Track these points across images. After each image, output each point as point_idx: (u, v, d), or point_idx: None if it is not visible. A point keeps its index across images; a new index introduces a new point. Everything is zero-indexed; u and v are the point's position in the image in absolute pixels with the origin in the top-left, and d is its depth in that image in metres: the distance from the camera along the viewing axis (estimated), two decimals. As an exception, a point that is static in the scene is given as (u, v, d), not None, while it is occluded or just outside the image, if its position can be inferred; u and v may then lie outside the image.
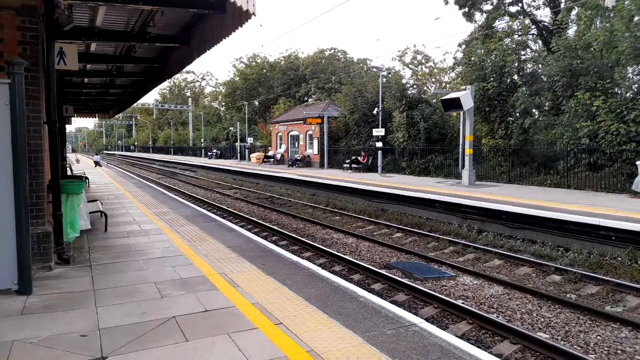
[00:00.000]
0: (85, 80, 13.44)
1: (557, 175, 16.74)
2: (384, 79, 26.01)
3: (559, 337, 5.81)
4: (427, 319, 5.68)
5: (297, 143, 34.86)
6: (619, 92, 16.23)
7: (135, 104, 31.44)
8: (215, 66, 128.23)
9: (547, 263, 8.84)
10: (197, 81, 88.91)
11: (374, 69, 28.67)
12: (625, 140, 14.31)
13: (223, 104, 71.12)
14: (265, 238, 10.28)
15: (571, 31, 21.67)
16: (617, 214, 10.25)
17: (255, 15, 5.11)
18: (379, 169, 23.59)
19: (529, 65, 21.40)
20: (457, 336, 5.01)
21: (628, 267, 8.52)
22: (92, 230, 8.43)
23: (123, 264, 6.28)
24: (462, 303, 6.76)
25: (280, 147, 37.26)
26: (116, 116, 47.91)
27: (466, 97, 16.62)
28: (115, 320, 4.25)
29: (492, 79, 19.77)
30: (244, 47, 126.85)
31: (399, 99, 24.53)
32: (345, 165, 26.88)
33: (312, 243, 10.58)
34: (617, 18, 15.96)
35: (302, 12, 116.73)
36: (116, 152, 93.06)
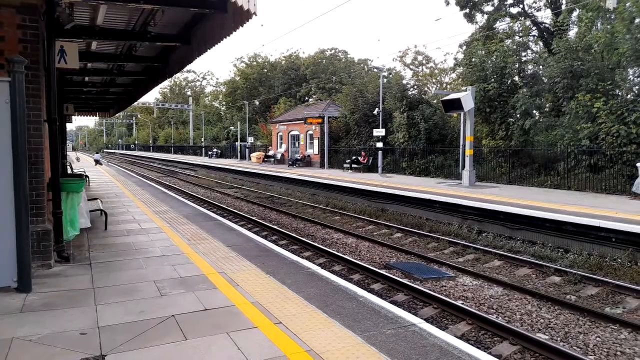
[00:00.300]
0: (86, 78, 13.45)
1: (557, 176, 16.74)
2: (385, 80, 26.01)
3: (559, 338, 5.81)
4: (426, 319, 5.68)
5: (297, 143, 34.86)
6: (619, 93, 16.23)
7: (135, 103, 31.45)
8: (216, 65, 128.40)
9: (547, 264, 8.83)
10: (198, 80, 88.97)
11: (375, 70, 28.68)
12: (625, 142, 14.32)
13: (224, 103, 71.14)
14: (265, 237, 10.28)
15: (572, 33, 21.67)
16: (617, 216, 10.25)
17: (256, 15, 5.11)
18: (379, 169, 23.59)
19: (529, 67, 21.41)
20: (457, 337, 5.01)
21: (628, 268, 8.51)
22: (92, 229, 8.43)
23: (123, 263, 6.28)
24: (462, 303, 6.76)
25: (280, 147, 37.27)
26: (117, 115, 47.89)
27: (467, 98, 16.62)
28: (114, 319, 4.25)
29: (492, 80, 19.78)
30: (244, 46, 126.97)
31: (399, 99, 24.54)
32: (345, 165, 26.89)
33: (312, 243, 10.58)
34: (618, 20, 15.96)
35: (303, 12, 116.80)
36: (117, 151, 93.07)
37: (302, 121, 31.50)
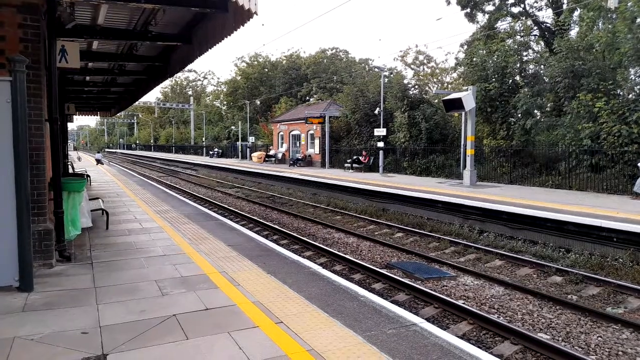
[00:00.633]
0: (87, 78, 13.45)
1: (558, 176, 16.72)
2: (386, 79, 25.99)
3: (560, 338, 5.80)
4: (427, 319, 5.68)
5: (298, 142, 34.86)
6: (621, 93, 16.21)
7: (137, 103, 31.45)
8: (217, 65, 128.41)
9: (548, 264, 8.82)
10: (199, 80, 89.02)
11: (376, 69, 28.70)
12: (627, 142, 14.30)
13: (225, 103, 71.18)
14: (266, 237, 10.28)
15: (573, 32, 21.65)
16: (618, 216, 10.23)
17: (257, 14, 5.11)
18: (380, 168, 23.58)
19: (531, 66, 21.38)
20: (458, 336, 5.01)
21: (629, 268, 8.50)
22: (94, 228, 8.44)
23: (124, 262, 6.28)
24: (463, 303, 6.75)
25: (281, 147, 37.27)
26: (118, 114, 47.97)
27: (468, 97, 16.61)
28: (116, 318, 4.26)
29: (494, 79, 19.77)
30: (245, 46, 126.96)
31: (400, 99, 24.52)
32: (346, 164, 26.88)
33: (313, 242, 10.58)
34: (620, 19, 15.94)
35: (304, 11, 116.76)
36: (118, 150, 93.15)
37: (303, 121, 31.50)
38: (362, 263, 8.78)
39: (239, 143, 45.60)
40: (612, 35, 16.17)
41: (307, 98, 54.36)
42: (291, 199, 18.66)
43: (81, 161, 36.33)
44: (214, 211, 13.22)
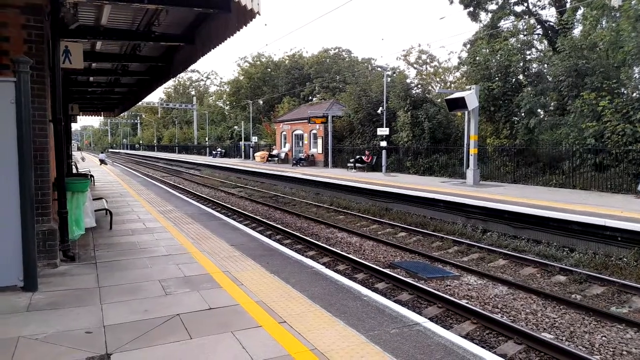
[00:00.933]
0: (91, 78, 13.50)
1: (562, 175, 16.67)
2: (389, 79, 25.97)
3: (564, 338, 5.79)
4: (431, 319, 5.67)
5: (301, 142, 34.87)
6: (625, 92, 16.15)
7: (140, 103, 31.58)
8: (219, 65, 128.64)
9: (552, 263, 8.80)
10: (202, 80, 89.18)
11: (379, 69, 28.66)
12: (631, 141, 14.24)
13: (227, 103, 71.28)
14: (269, 237, 10.29)
15: (577, 31, 21.58)
16: (623, 215, 10.20)
17: (259, 15, 5.11)
18: (383, 168, 23.56)
19: (534, 65, 21.32)
20: (461, 336, 5.00)
21: (634, 268, 8.47)
22: (97, 228, 8.46)
23: (128, 262, 6.30)
24: (466, 303, 6.75)
25: (284, 146, 37.29)
26: (121, 115, 48.09)
27: (471, 96, 16.56)
28: (119, 318, 4.27)
29: (497, 78, 19.73)
30: (248, 46, 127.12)
31: (403, 98, 24.50)
32: (349, 164, 26.87)
33: (316, 242, 10.58)
34: (623, 18, 15.88)
35: (306, 11, 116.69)
36: (121, 151, 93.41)
37: (306, 120, 31.49)
38: (365, 263, 8.78)
39: (241, 143, 45.66)
40: (615, 34, 16.11)
41: (310, 98, 54.37)
42: (294, 199, 18.67)
43: (85, 161, 36.43)
44: (217, 211, 13.25)
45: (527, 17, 28.61)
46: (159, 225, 9.12)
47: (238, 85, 64.90)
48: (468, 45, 32.18)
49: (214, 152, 51.36)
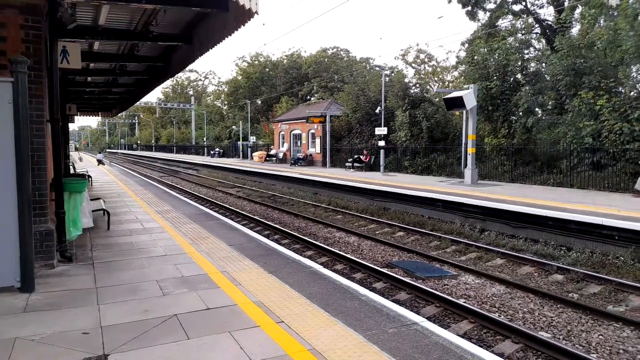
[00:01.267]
0: (88, 79, 13.47)
1: (560, 174, 16.70)
2: (387, 78, 26.00)
3: (561, 337, 5.80)
4: (428, 318, 5.69)
5: (299, 142, 34.87)
6: (622, 91, 16.18)
7: (138, 103, 31.53)
8: (218, 65, 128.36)
9: (549, 262, 8.82)
10: (200, 80, 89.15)
11: (377, 68, 28.71)
12: (628, 140, 14.27)
13: (226, 102, 71.23)
14: (267, 237, 10.30)
15: (575, 30, 21.63)
16: (620, 214, 10.22)
17: (257, 14, 5.11)
18: (381, 167, 23.58)
19: (532, 64, 21.35)
20: (459, 335, 5.01)
21: (631, 266, 8.49)
22: (95, 229, 8.45)
23: (125, 262, 6.29)
24: (464, 302, 6.76)
25: (282, 146, 37.28)
26: (119, 115, 48.01)
27: (469, 96, 16.59)
28: (117, 318, 4.27)
29: (495, 77, 19.75)
30: (246, 45, 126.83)
31: (401, 97, 24.52)
32: (347, 164, 26.89)
33: (314, 242, 10.58)
34: (621, 17, 15.90)
35: (304, 10, 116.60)
36: (119, 151, 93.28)
37: (304, 120, 31.50)
38: (363, 262, 8.78)
39: (240, 143, 45.66)
40: (613, 33, 16.13)
41: (308, 97, 54.39)
42: (292, 199, 18.67)
43: (82, 162, 36.38)
44: (215, 211, 13.24)
45: (525, 16, 28.65)
46: (157, 226, 9.11)
47: (236, 85, 64.88)
48: (466, 45, 32.21)
49: (212, 152, 51.34)
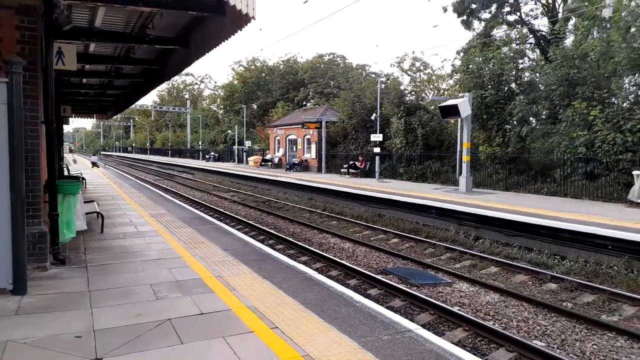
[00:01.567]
0: (84, 80, 13.43)
1: (553, 183, 16.79)
2: (383, 85, 26.09)
3: (555, 346, 5.81)
4: (423, 325, 5.67)
5: (295, 147, 34.87)
6: (615, 102, 16.34)
7: (133, 106, 31.45)
8: (214, 69, 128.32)
9: (543, 271, 8.84)
10: (196, 84, 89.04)
11: (373, 75, 28.81)
12: (621, 150, 14.38)
13: (221, 107, 71.18)
14: (262, 242, 10.25)
15: (568, 41, 21.82)
16: (613, 223, 10.28)
17: (254, 19, 5.11)
18: (377, 174, 23.61)
19: (526, 74, 21.52)
20: (453, 343, 5.00)
21: (624, 276, 8.53)
22: (88, 231, 8.39)
23: (119, 266, 6.24)
24: (458, 310, 6.75)
25: (278, 151, 37.27)
26: (114, 117, 47.82)
27: (464, 104, 16.67)
28: (110, 322, 4.22)
29: (490, 86, 19.87)
30: (243, 50, 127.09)
31: (397, 105, 24.62)
32: (342, 170, 26.89)
33: (308, 247, 10.56)
34: (614, 29, 16.07)
35: (301, 16, 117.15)
36: (114, 153, 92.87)
37: (300, 125, 31.52)
38: (357, 268, 8.77)
39: (235, 147, 45.62)
40: (606, 45, 16.30)
41: (304, 103, 54.44)
42: (287, 204, 18.63)
43: (77, 164, 36.18)
44: (210, 215, 13.17)
45: (519, 26, 28.90)
46: (151, 229, 9.06)
47: (232, 89, 64.88)
48: (461, 53, 32.45)
49: (207, 156, 51.23)
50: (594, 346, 5.77)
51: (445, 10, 31.20)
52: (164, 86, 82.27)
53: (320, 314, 4.54)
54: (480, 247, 11.08)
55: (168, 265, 6.26)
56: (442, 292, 7.76)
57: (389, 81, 31.42)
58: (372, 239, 12.25)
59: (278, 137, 37.36)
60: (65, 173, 16.50)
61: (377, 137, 23.33)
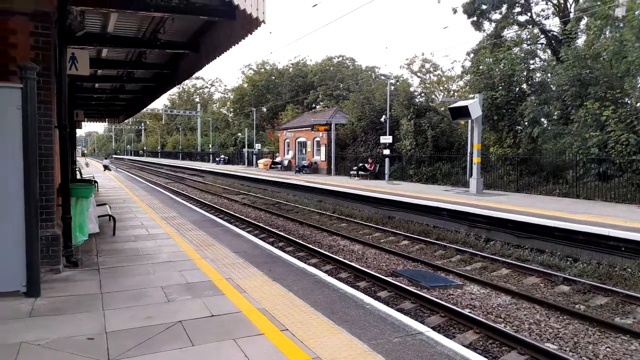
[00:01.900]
0: (96, 85, 13.60)
1: (565, 184, 16.62)
2: (392, 87, 26.04)
3: (568, 349, 5.74)
4: (433, 328, 5.64)
5: (304, 149, 34.92)
6: (628, 102, 16.14)
7: (144, 109, 31.70)
8: (224, 72, 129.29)
9: (555, 273, 8.75)
10: (206, 87, 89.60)
11: (382, 77, 28.75)
12: (635, 151, 14.20)
13: (231, 110, 71.55)
14: (272, 244, 10.29)
15: (580, 41, 21.64)
16: (627, 225, 10.15)
17: (264, 23, 5.14)
18: (386, 176, 23.56)
19: (537, 75, 21.36)
20: (464, 346, 4.96)
21: (638, 278, 8.41)
22: (101, 234, 8.47)
23: (130, 268, 6.30)
24: (469, 312, 6.71)
25: (287, 154, 37.34)
26: (126, 121, 48.31)
27: (474, 105, 16.59)
28: (122, 324, 4.27)
29: (500, 87, 19.74)
30: (253, 53, 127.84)
31: (406, 106, 24.55)
32: (352, 172, 26.87)
33: (318, 250, 10.56)
34: (627, 28, 15.90)
35: (311, 19, 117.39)
36: (125, 157, 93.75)
37: (309, 128, 31.58)
38: (367, 271, 8.75)
39: (245, 150, 45.80)
40: (619, 44, 16.12)
41: (314, 105, 54.56)
42: (297, 206, 18.66)
43: (89, 167, 36.55)
44: (220, 218, 13.24)
45: (530, 26, 28.71)
46: (162, 232, 9.13)
47: (242, 92, 65.21)
48: (471, 55, 32.31)
49: (217, 159, 51.50)
50: (607, 349, 5.70)
51: (455, 11, 31.16)
52: (174, 90, 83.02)
53: (331, 316, 4.55)
54: (491, 249, 11.00)
55: (179, 268, 6.31)
56: (452, 295, 7.72)
57: (398, 83, 31.35)
58: (382, 241, 12.22)
59: (287, 140, 37.45)
60: (78, 176, 16.69)
61: (386, 139, 23.28)
